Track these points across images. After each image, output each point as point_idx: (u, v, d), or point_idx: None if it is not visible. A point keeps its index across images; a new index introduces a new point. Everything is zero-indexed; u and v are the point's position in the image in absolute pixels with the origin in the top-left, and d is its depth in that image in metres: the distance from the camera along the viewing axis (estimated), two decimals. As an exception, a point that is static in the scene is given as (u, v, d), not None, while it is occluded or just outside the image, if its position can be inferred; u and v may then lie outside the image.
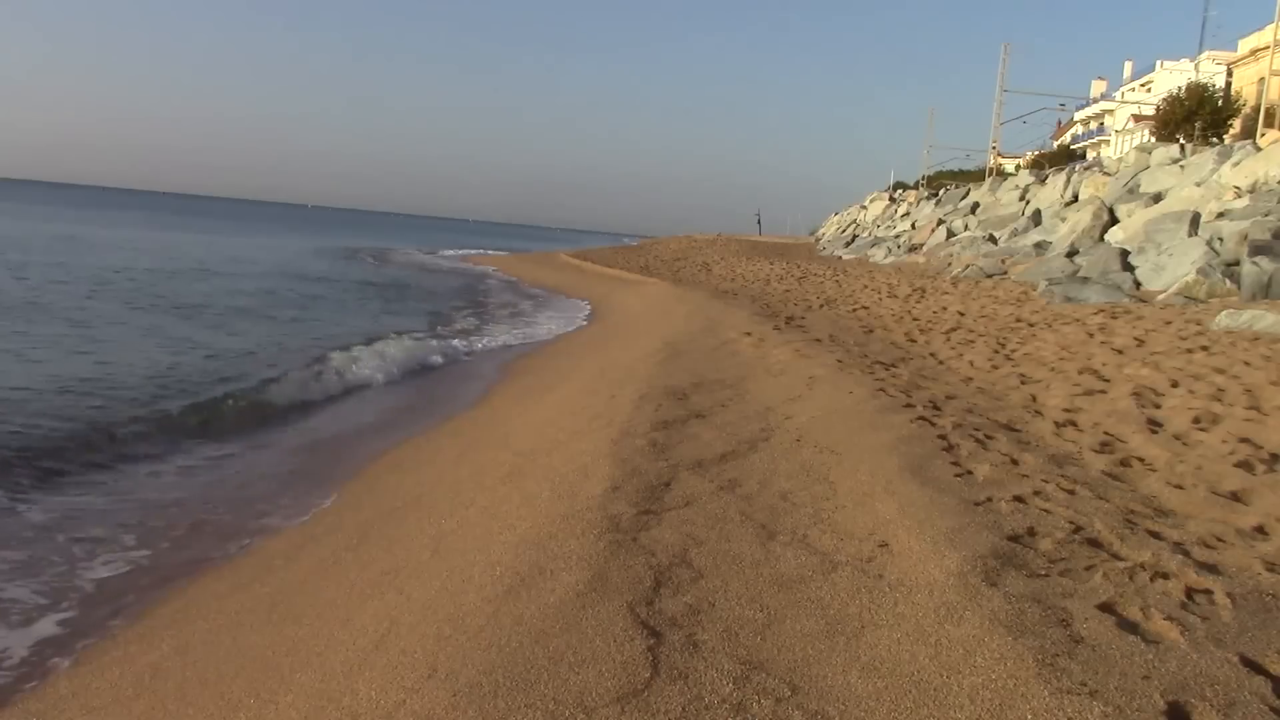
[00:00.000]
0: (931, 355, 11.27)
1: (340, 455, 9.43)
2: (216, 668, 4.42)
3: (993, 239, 30.20)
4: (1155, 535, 4.35)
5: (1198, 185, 22.05)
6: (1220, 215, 18.64)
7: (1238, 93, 36.41)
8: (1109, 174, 29.99)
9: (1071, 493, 4.99)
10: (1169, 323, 12.16)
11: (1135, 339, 10.99)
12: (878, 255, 38.92)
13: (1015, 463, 5.64)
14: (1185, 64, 53.64)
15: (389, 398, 12.87)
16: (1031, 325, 13.38)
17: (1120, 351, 10.21)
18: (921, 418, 6.87)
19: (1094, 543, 4.18)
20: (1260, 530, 4.53)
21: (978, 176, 55.13)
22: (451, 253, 67.85)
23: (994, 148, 55.67)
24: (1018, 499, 4.81)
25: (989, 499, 4.80)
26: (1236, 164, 21.45)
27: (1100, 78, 68.01)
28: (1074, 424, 7.00)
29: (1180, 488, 5.21)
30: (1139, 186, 25.23)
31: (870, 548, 4.24)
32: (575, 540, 4.47)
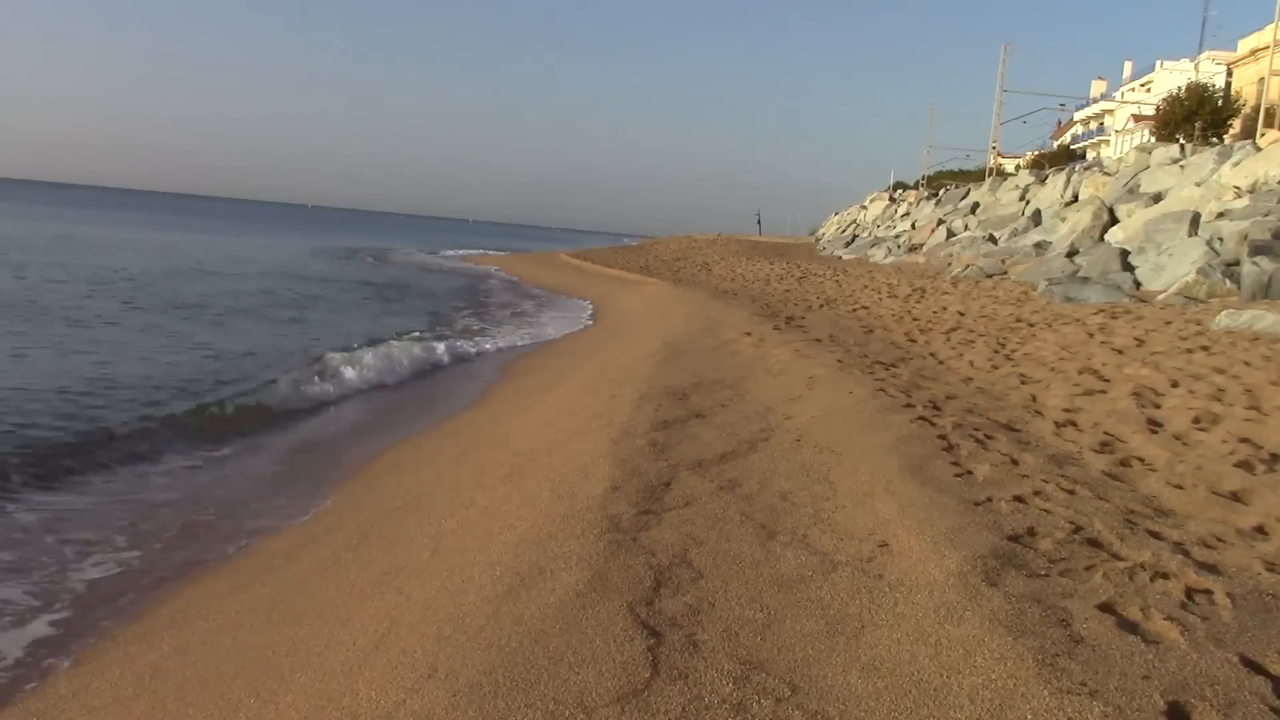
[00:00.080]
0: (931, 355, 11.27)
1: (340, 456, 9.43)
2: (216, 668, 4.42)
3: (993, 239, 30.20)
4: (1155, 535, 4.35)
5: (1198, 185, 22.05)
6: (1220, 215, 18.65)
7: (1238, 93, 36.41)
8: (1109, 174, 29.99)
9: (1071, 493, 4.99)
10: (1169, 323, 12.16)
11: (1135, 339, 10.99)
12: (878, 255, 38.92)
13: (1015, 463, 5.64)
14: (1185, 64, 53.64)
15: (388, 399, 12.86)
16: (1031, 325, 13.38)
17: (1120, 351, 10.21)
18: (921, 418, 6.87)
19: (1094, 543, 4.18)
20: (1260, 530, 4.53)
21: (978, 176, 55.13)
22: (452, 253, 67.85)
23: (994, 148, 55.69)
24: (1018, 499, 4.81)
25: (989, 499, 4.80)
26: (1236, 164, 21.45)
27: (1100, 78, 68.09)
28: (1074, 424, 7.00)
29: (1180, 488, 5.21)
30: (1139, 186, 25.23)
31: (870, 548, 4.24)
32: (575, 540, 4.47)
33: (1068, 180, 31.40)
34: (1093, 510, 4.65)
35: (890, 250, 38.58)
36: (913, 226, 43.61)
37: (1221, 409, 7.04)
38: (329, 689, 3.57)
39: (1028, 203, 33.16)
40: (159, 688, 4.36)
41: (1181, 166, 24.72)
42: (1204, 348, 9.87)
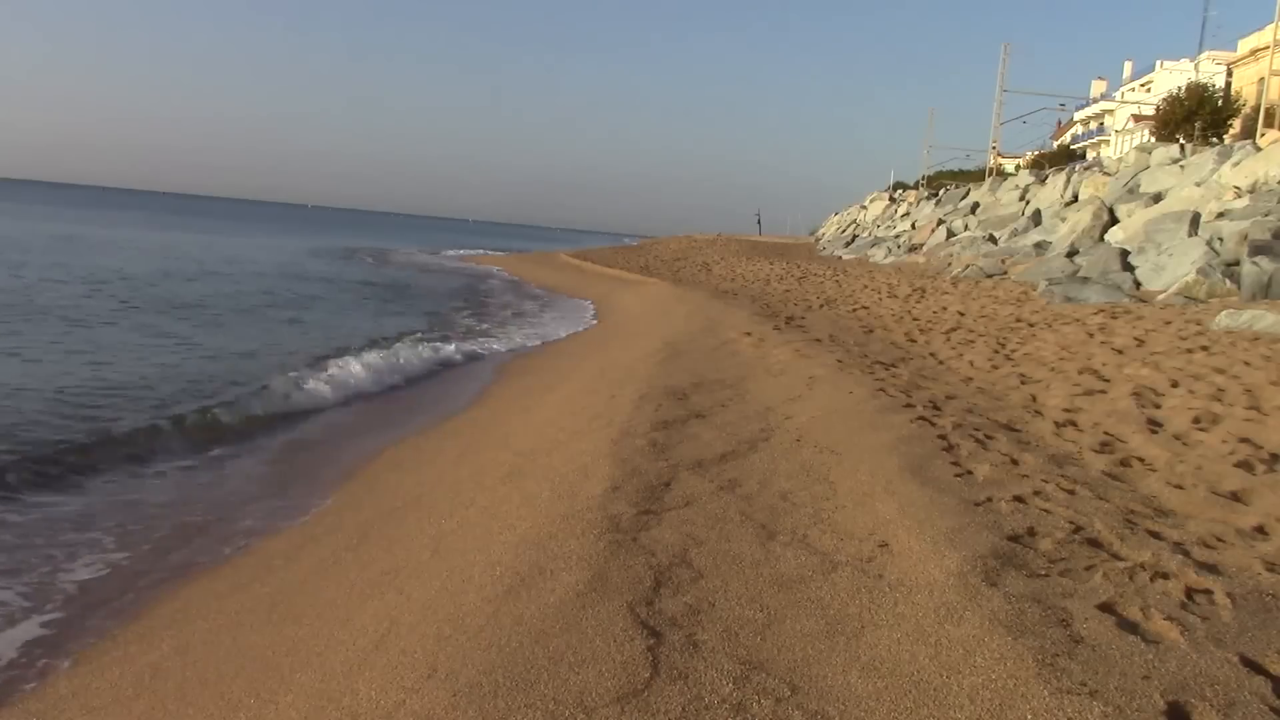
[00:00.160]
0: (931, 355, 11.27)
1: (339, 456, 9.43)
2: (216, 668, 4.42)
3: (993, 239, 30.21)
4: (1155, 535, 4.35)
5: (1198, 185, 22.06)
6: (1220, 215, 18.65)
7: (1238, 93, 36.41)
8: (1109, 174, 29.99)
9: (1071, 493, 4.99)
10: (1169, 323, 12.16)
11: (1135, 339, 10.99)
12: (878, 255, 38.92)
13: (1015, 463, 5.64)
14: (1185, 64, 53.64)
15: (388, 400, 12.86)
16: (1031, 325, 13.38)
17: (1120, 351, 10.21)
18: (921, 418, 6.87)
19: (1094, 543, 4.18)
20: (1260, 530, 4.53)
21: (978, 176, 55.13)
22: (452, 253, 67.86)
23: (994, 148, 55.68)
24: (1018, 499, 4.81)
25: (989, 499, 4.80)
26: (1236, 164, 21.45)
27: (1100, 78, 68.08)
28: (1074, 424, 7.00)
29: (1180, 488, 5.21)
30: (1139, 186, 25.23)
31: (870, 548, 4.24)
32: (575, 540, 4.47)
33: (1068, 180, 31.40)
34: (1093, 510, 4.65)
35: (890, 250, 38.58)
36: (913, 226, 43.61)
37: (1221, 409, 7.04)
38: (329, 689, 3.57)
39: (1028, 203, 33.17)
40: (159, 688, 4.36)
41: (1181, 166, 24.72)
42: (1204, 348, 9.87)
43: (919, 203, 52.72)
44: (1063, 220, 27.10)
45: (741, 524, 4.65)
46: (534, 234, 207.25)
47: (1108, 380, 8.61)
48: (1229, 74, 40.99)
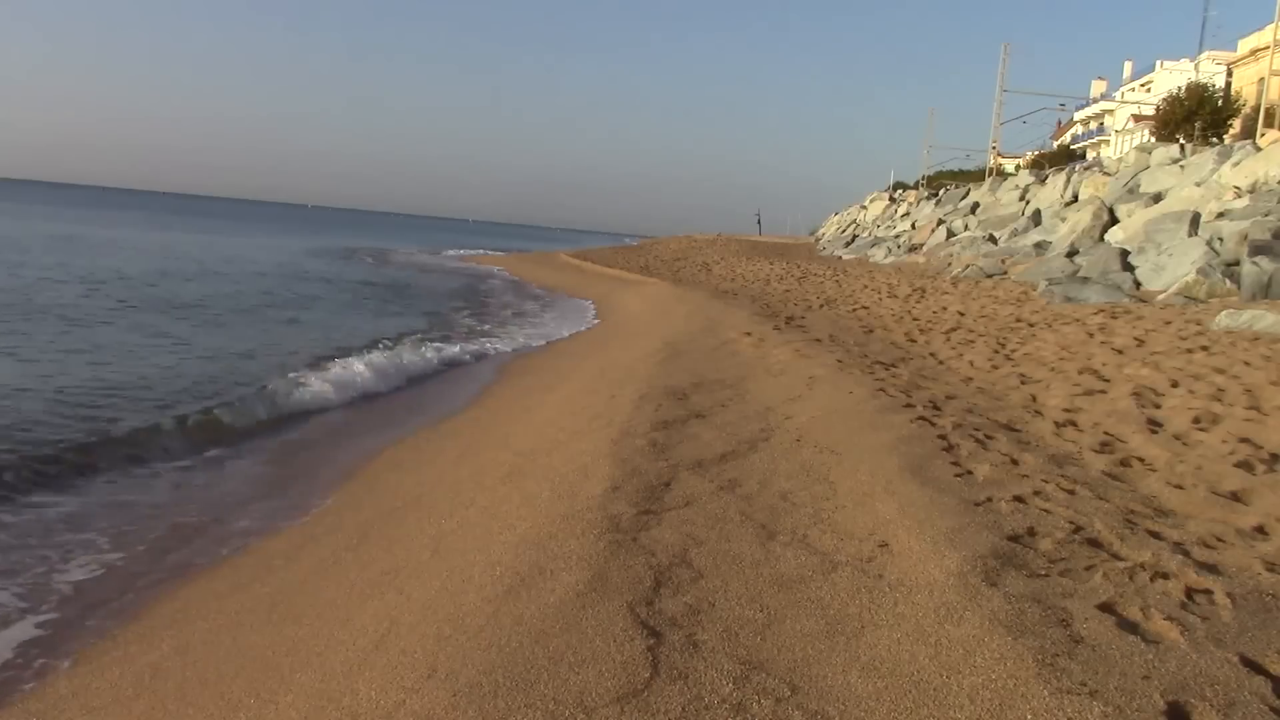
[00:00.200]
0: (931, 355, 11.27)
1: (338, 457, 9.43)
2: (216, 668, 4.42)
3: (993, 239, 30.21)
4: (1155, 535, 4.35)
5: (1198, 185, 22.06)
6: (1220, 215, 18.65)
7: (1238, 93, 36.41)
8: (1109, 174, 29.99)
9: (1071, 493, 4.99)
10: (1169, 323, 12.17)
11: (1135, 339, 10.99)
12: (878, 255, 38.92)
13: (1015, 463, 5.64)
14: (1185, 64, 53.63)
15: (387, 401, 12.85)
16: (1031, 325, 13.38)
17: (1120, 351, 10.21)
18: (921, 418, 6.87)
19: (1094, 543, 4.18)
20: (1260, 530, 4.53)
21: (978, 176, 55.13)
22: (453, 253, 67.87)
23: (994, 148, 55.68)
24: (1018, 499, 4.81)
25: (989, 499, 4.80)
26: (1236, 164, 21.45)
27: (1100, 78, 68.09)
28: (1074, 424, 7.00)
29: (1180, 488, 5.21)
30: (1139, 186, 25.23)
31: (870, 548, 4.24)
32: (575, 540, 4.47)
33: (1068, 180, 31.41)
34: (1093, 510, 4.65)
35: (890, 250, 38.59)
36: (913, 226, 43.62)
37: (1221, 409, 7.04)
38: (329, 689, 3.57)
39: (1028, 203, 33.17)
40: (159, 688, 4.36)
41: (1181, 166, 24.72)
42: (1204, 348, 9.88)
43: (919, 203, 52.73)
44: (1063, 220, 27.10)
45: (741, 524, 4.65)
46: (534, 234, 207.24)
47: (1108, 380, 8.61)
48: (1229, 74, 40.99)
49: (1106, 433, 6.67)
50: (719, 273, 32.88)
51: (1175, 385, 8.08)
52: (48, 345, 14.29)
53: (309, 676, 3.81)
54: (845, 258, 41.98)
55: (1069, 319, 13.62)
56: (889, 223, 52.77)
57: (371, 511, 6.99)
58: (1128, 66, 65.07)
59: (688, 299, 22.17)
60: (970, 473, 5.34)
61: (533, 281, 38.16)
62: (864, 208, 68.38)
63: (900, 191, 66.50)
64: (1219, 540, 4.35)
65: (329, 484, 8.21)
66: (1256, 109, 30.86)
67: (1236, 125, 33.75)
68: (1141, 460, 5.90)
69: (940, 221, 38.95)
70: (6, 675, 4.86)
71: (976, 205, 39.17)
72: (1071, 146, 60.22)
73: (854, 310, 17.60)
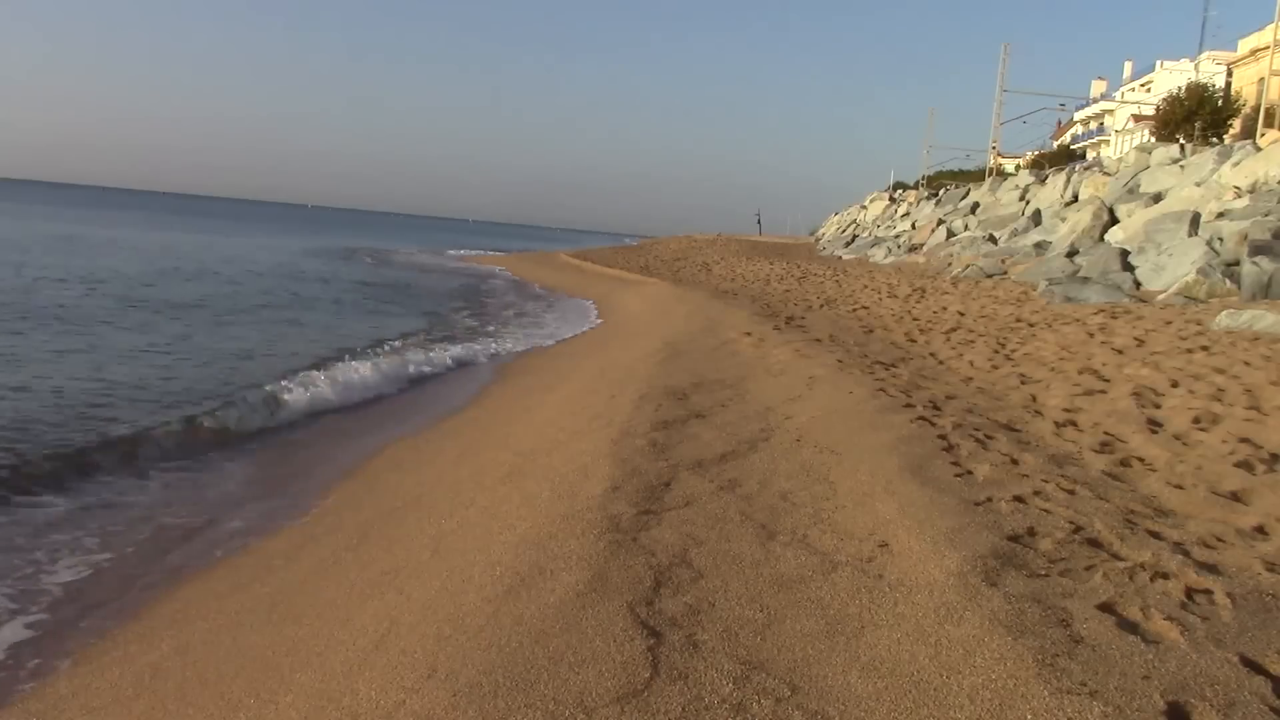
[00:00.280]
0: (931, 355, 11.27)
1: (339, 457, 9.43)
2: (216, 668, 4.42)
3: (993, 239, 30.21)
4: (1155, 535, 4.35)
5: (1198, 185, 22.06)
6: (1220, 215, 18.65)
7: (1238, 93, 36.41)
8: (1109, 174, 29.99)
9: (1071, 493, 4.99)
10: (1169, 323, 12.17)
11: (1135, 339, 11.00)
12: (878, 255, 38.93)
13: (1015, 463, 5.64)
14: (1185, 64, 53.64)
15: (386, 402, 12.85)
16: (1031, 325, 13.38)
17: (1120, 351, 10.21)
18: (921, 418, 6.87)
19: (1094, 543, 4.18)
20: (1260, 530, 4.53)
21: (978, 176, 55.13)
22: (453, 253, 67.88)
23: (994, 148, 55.68)
24: (1018, 499, 4.81)
25: (989, 499, 4.80)
26: (1236, 164, 21.45)
27: (1100, 78, 68.10)
28: (1074, 424, 7.00)
29: (1180, 488, 5.21)
30: (1139, 186, 25.24)
31: (870, 548, 4.24)
32: (575, 540, 4.47)
33: (1068, 180, 31.41)
34: (1093, 510, 4.65)
35: (890, 250, 38.59)
36: (913, 226, 43.62)
37: (1221, 409, 7.04)
38: (329, 689, 3.57)
39: (1028, 203, 33.18)
40: (159, 688, 4.36)
41: (1181, 166, 24.73)
42: (1204, 348, 9.88)
43: (919, 203, 52.73)
44: (1063, 220, 27.10)
45: (741, 524, 4.65)
46: (534, 234, 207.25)
47: (1108, 380, 8.61)
48: (1229, 74, 40.99)
49: (1106, 433, 6.67)
50: (719, 273, 32.89)
51: (1175, 385, 8.08)
52: (47, 346, 14.26)
53: (309, 676, 3.82)
54: (845, 258, 41.99)
55: (1069, 319, 13.62)
56: (889, 223, 52.78)
57: (371, 511, 6.99)
58: (1128, 66, 65.14)
59: (688, 299, 22.18)
60: (970, 473, 5.34)
61: (535, 282, 38.15)
62: (864, 208, 68.38)
63: (900, 191, 66.51)
64: (1219, 540, 4.35)
65: (329, 484, 8.21)
66: (1256, 109, 30.87)
67: (1236, 125, 33.75)
68: (1141, 460, 5.90)
69: (940, 221, 38.95)
70: (5, 676, 4.86)
71: (976, 205, 39.18)
72: (1071, 146, 60.22)
73: (854, 310, 17.60)
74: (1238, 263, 14.92)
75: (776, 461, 5.91)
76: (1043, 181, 34.77)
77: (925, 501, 4.75)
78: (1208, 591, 3.64)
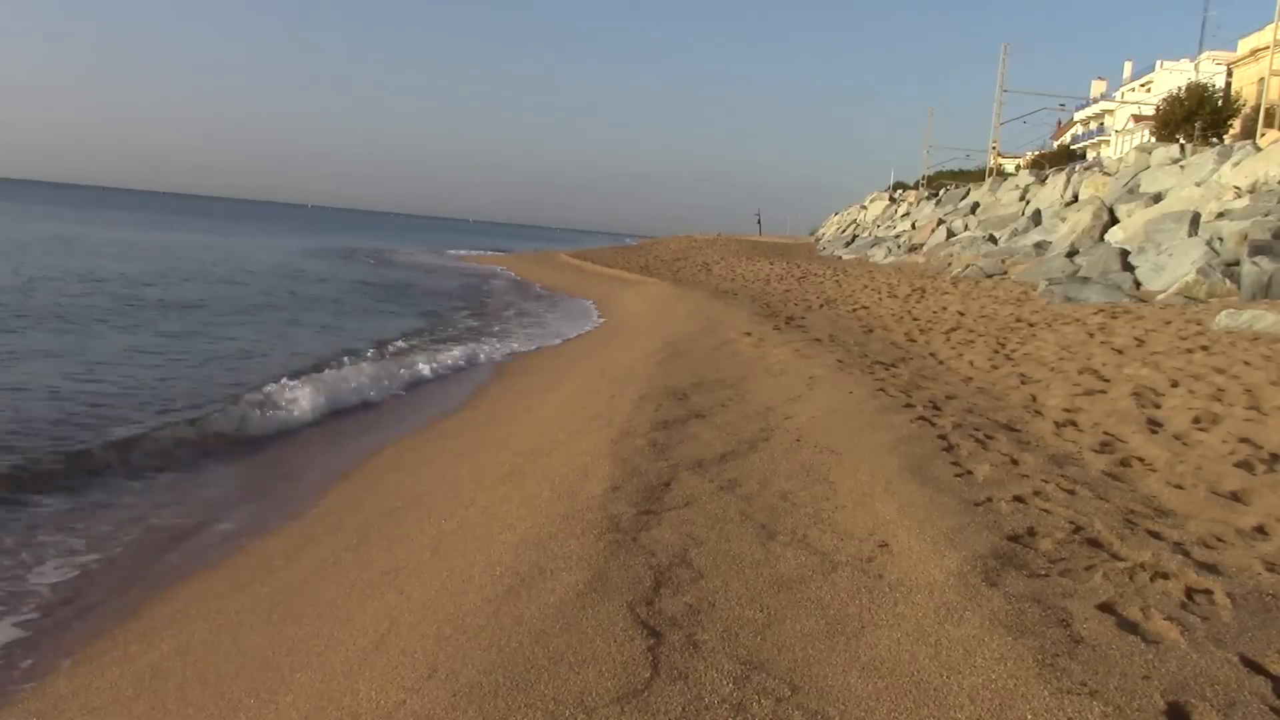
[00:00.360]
0: (931, 355, 11.27)
1: (338, 457, 9.43)
2: (216, 668, 4.42)
3: (993, 239, 30.21)
4: (1155, 535, 4.35)
5: (1198, 185, 22.06)
6: (1220, 215, 18.65)
7: (1238, 93, 36.42)
8: (1109, 174, 30.00)
9: (1071, 493, 4.99)
10: (1169, 323, 12.16)
11: (1135, 339, 10.99)
12: (878, 255, 38.93)
13: (1015, 463, 5.64)
14: (1185, 64, 53.66)
15: (388, 401, 12.84)
16: (1031, 325, 13.38)
17: (1120, 351, 10.21)
18: (921, 418, 6.87)
19: (1094, 543, 4.18)
20: (1260, 530, 4.53)
21: (978, 176, 55.14)
22: (454, 253, 67.88)
23: (994, 148, 55.69)
24: (1018, 499, 4.81)
25: (989, 499, 4.80)
26: (1236, 164, 21.45)
27: (1100, 78, 68.13)
28: (1074, 424, 7.00)
29: (1180, 488, 5.21)
30: (1139, 186, 25.24)
31: (870, 548, 4.24)
32: (575, 540, 4.47)
33: (1068, 180, 31.41)
34: (1093, 510, 4.65)
35: (890, 250, 38.59)
36: (913, 226, 43.62)
37: (1221, 409, 7.04)
38: (329, 689, 3.57)
39: (1028, 203, 33.18)
40: (159, 688, 4.36)
41: (1181, 166, 24.73)
42: (1204, 348, 9.87)
43: (919, 203, 52.74)
44: (1063, 220, 27.11)
45: (741, 524, 4.65)
46: (534, 234, 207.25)
47: (1108, 380, 8.61)
48: (1229, 74, 41.00)
49: (1106, 433, 6.67)
50: (719, 273, 32.89)
51: (1175, 385, 8.08)
52: (43, 346, 14.25)
53: (309, 676, 3.82)
54: (845, 258, 41.99)
55: (1069, 319, 13.62)
56: (889, 223, 52.78)
57: (371, 511, 6.99)
58: (1128, 66, 65.16)
59: (688, 299, 22.18)
60: (970, 473, 5.34)
61: (536, 282, 38.15)
62: (864, 208, 68.39)
63: (900, 191, 66.52)
64: (1219, 540, 4.35)
65: (328, 484, 8.22)
66: (1256, 109, 30.88)
67: (1236, 125, 33.76)
68: (1141, 460, 5.90)
69: (940, 221, 38.95)
70: (3, 676, 4.86)
71: (976, 205, 39.18)
72: (1071, 146, 60.23)
73: (854, 310, 17.60)
74: (1238, 263, 14.92)
75: (776, 461, 5.91)
76: (1043, 181, 34.77)
77: (925, 501, 4.75)
78: (1208, 591, 3.64)
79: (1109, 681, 2.90)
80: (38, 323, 16.57)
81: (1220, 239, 16.73)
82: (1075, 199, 29.23)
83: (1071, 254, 21.84)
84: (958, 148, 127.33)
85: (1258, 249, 14.46)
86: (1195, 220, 18.70)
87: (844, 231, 62.60)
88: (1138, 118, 50.37)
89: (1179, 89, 35.67)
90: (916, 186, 66.21)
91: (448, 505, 6.47)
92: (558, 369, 14.30)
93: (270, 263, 39.87)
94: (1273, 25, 30.56)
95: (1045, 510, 4.64)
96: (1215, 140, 31.75)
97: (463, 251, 70.43)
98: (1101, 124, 62.95)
